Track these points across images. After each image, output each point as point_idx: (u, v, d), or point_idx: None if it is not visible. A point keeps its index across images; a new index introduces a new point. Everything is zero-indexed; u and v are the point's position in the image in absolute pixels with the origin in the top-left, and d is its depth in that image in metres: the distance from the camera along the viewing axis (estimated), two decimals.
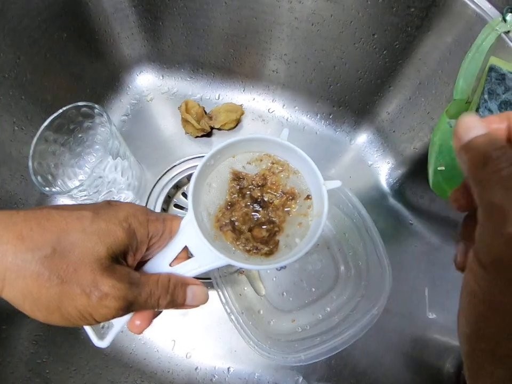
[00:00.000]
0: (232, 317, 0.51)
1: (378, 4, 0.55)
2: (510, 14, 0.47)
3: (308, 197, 0.43)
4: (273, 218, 0.43)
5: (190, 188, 0.38)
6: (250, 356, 0.59)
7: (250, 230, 0.42)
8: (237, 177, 0.44)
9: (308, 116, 0.76)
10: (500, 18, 0.47)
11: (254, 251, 0.40)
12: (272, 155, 0.45)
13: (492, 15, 0.48)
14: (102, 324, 0.34)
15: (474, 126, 0.22)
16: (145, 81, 0.78)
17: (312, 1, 0.58)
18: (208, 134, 0.71)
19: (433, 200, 0.64)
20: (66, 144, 0.57)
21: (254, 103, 0.77)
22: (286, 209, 0.43)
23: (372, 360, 0.60)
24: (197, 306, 0.34)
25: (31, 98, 0.59)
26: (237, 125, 0.75)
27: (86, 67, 0.68)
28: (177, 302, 0.33)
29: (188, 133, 0.73)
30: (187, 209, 0.40)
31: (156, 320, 0.60)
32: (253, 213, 0.43)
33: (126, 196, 0.61)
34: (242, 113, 0.75)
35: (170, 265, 0.36)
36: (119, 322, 0.34)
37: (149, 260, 0.35)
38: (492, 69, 0.45)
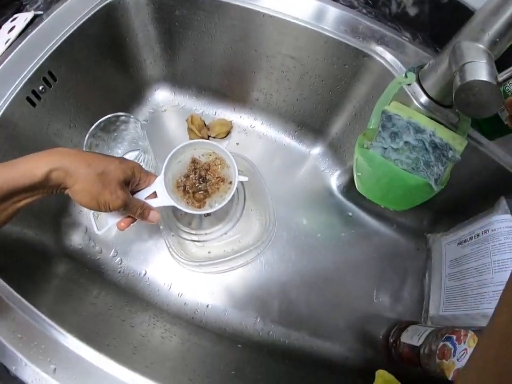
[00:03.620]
0: (165, 240, 0.69)
1: (324, 62, 0.68)
2: (410, 72, 0.57)
3: (230, 183, 0.62)
4: (208, 190, 0.62)
5: (165, 162, 0.58)
6: (224, 298, 0.70)
7: (193, 192, 0.61)
8: (194, 161, 0.62)
9: (279, 131, 0.87)
10: (403, 75, 0.58)
11: (191, 204, 0.60)
12: (217, 153, 0.63)
13: (400, 71, 0.59)
14: (101, 223, 0.58)
15: None
16: (161, 96, 0.88)
17: (281, 57, 0.71)
18: None
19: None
20: (106, 140, 0.68)
21: (241, 120, 0.88)
22: (216, 186, 0.62)
23: (313, 312, 0.71)
24: (153, 222, 0.57)
25: (81, 106, 0.69)
26: (227, 135, 0.84)
27: (119, 83, 0.79)
28: (143, 215, 0.55)
29: (191, 138, 0.82)
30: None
31: (160, 267, 0.74)
32: (198, 184, 0.62)
33: None
34: (232, 127, 0.85)
35: (145, 198, 0.56)
36: (112, 221, 0.56)
37: (135, 193, 0.56)
38: (383, 112, 0.57)
